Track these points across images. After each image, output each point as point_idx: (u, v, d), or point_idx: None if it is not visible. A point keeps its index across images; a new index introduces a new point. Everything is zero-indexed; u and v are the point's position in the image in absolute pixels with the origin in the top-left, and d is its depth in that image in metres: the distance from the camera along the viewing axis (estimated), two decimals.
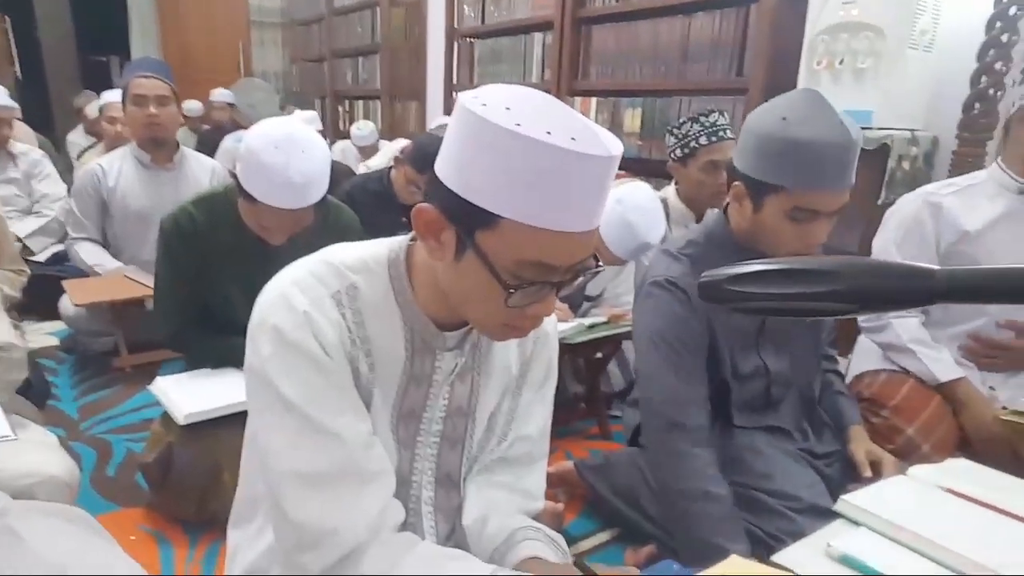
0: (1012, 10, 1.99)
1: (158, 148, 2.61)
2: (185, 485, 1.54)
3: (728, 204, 1.35)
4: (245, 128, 4.83)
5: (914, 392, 1.67)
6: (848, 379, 1.79)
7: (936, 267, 0.47)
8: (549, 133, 0.64)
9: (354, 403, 0.80)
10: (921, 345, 1.67)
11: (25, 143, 3.56)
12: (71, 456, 1.34)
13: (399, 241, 0.83)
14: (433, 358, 0.84)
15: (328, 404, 0.77)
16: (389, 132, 4.99)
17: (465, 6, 4.16)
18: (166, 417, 1.59)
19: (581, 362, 2.26)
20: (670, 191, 2.30)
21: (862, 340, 1.89)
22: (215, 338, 1.70)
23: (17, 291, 1.97)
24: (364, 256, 0.82)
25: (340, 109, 5.88)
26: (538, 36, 3.58)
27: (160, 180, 2.64)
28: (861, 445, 1.43)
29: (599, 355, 2.17)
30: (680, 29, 2.82)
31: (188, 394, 1.57)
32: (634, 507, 1.48)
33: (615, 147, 0.69)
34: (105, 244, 2.70)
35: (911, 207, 1.72)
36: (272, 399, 0.76)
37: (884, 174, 2.12)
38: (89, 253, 2.64)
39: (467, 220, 0.69)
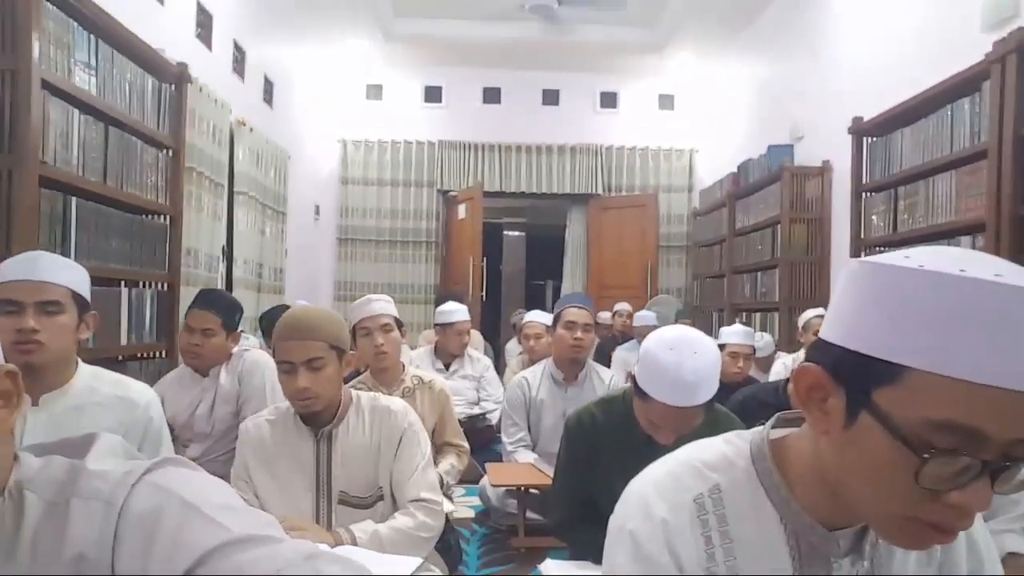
0: None
1: (571, 367, 3.01)
2: None
3: None
4: (634, 338, 5.35)
5: None
6: None
7: None
8: (963, 270, 0.56)
9: None
10: None
11: (478, 349, 4.49)
12: None
13: (757, 431, 0.78)
14: (828, 567, 0.72)
15: None
16: (786, 343, 4.83)
17: (873, 216, 3.99)
18: None
19: None
20: None
21: None
22: (599, 532, 1.78)
23: (463, 464, 2.45)
24: (725, 452, 0.78)
25: (737, 320, 5.99)
26: (965, 239, 3.19)
27: (567, 396, 2.99)
28: None
29: None
30: None
31: None
32: None
33: None
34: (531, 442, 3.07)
35: None
36: None
37: None
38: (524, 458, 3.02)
39: (861, 377, 0.61)
